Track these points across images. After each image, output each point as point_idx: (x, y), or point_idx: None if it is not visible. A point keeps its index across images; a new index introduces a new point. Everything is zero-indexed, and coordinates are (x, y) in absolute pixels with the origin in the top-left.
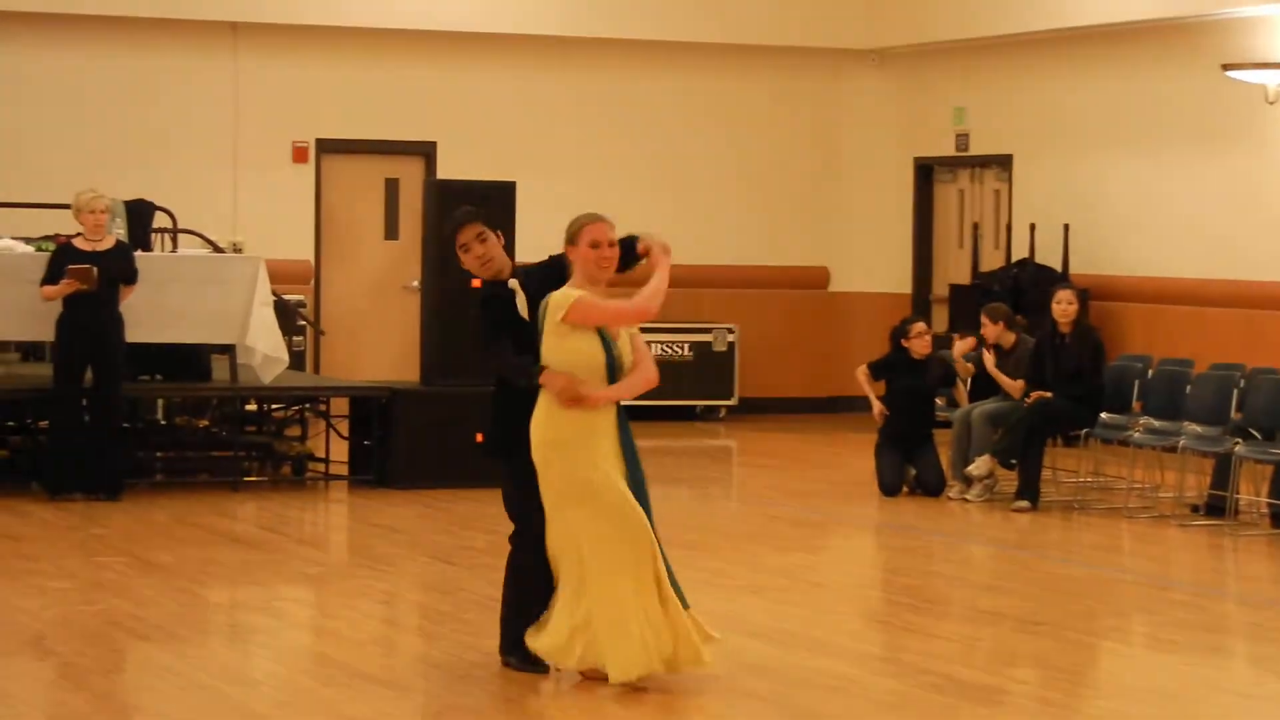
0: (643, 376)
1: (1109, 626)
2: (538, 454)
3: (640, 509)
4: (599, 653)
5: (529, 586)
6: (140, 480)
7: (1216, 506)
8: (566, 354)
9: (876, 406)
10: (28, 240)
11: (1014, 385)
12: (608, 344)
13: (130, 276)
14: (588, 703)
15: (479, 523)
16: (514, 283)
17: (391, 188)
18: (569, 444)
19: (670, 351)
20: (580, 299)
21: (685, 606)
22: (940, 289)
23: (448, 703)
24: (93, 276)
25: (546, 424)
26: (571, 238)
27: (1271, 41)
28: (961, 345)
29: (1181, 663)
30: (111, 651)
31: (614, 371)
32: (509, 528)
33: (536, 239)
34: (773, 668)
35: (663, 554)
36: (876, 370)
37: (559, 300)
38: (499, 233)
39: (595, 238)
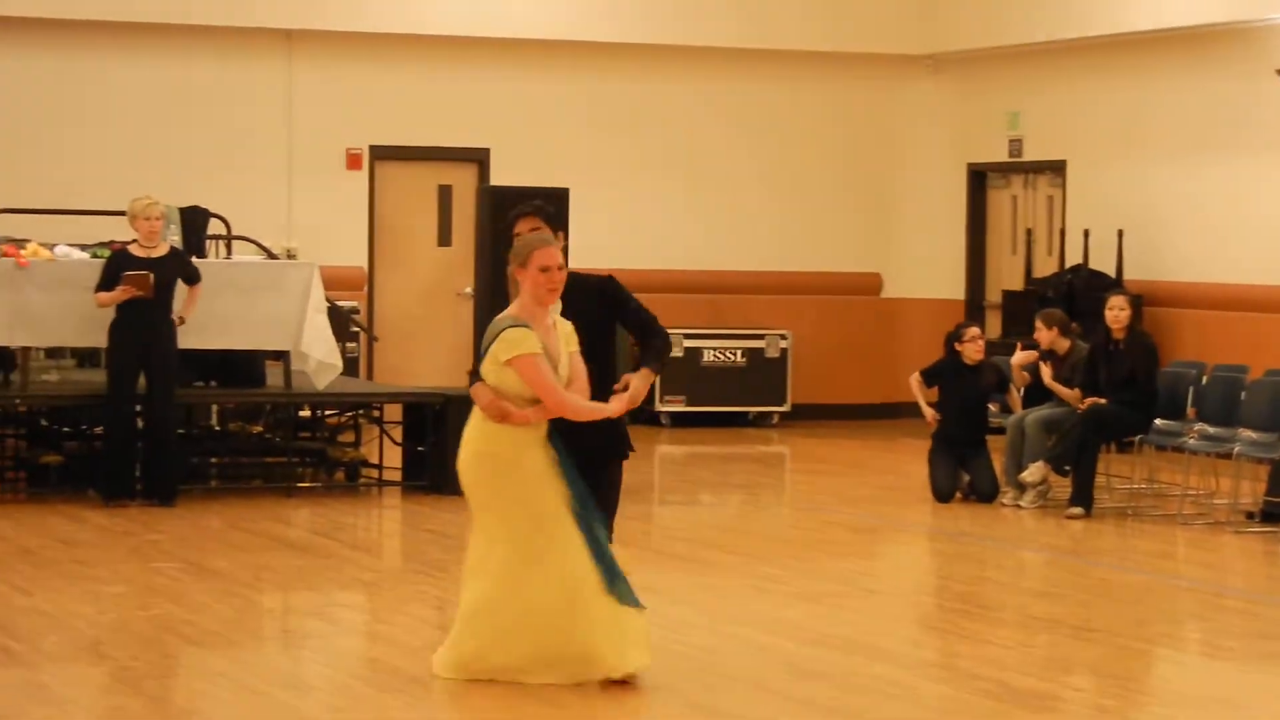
0: (572, 400)
1: (1163, 633)
2: (468, 464)
3: (565, 521)
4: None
5: None
6: (194, 486)
7: (1271, 513)
8: (502, 379)
9: (928, 413)
10: (83, 247)
11: (1072, 395)
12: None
13: (191, 276)
14: (640, 709)
15: None
16: None
17: (445, 194)
18: (498, 455)
19: (723, 358)
20: (529, 359)
21: (637, 606)
22: (993, 295)
23: (502, 708)
24: (149, 283)
25: (478, 436)
26: (522, 261)
27: None
28: (1022, 356)
29: (1236, 670)
30: (166, 656)
31: None
32: None
33: (590, 245)
34: (827, 673)
35: (600, 556)
36: (929, 377)
37: (512, 340)
38: (561, 234)
39: (545, 262)
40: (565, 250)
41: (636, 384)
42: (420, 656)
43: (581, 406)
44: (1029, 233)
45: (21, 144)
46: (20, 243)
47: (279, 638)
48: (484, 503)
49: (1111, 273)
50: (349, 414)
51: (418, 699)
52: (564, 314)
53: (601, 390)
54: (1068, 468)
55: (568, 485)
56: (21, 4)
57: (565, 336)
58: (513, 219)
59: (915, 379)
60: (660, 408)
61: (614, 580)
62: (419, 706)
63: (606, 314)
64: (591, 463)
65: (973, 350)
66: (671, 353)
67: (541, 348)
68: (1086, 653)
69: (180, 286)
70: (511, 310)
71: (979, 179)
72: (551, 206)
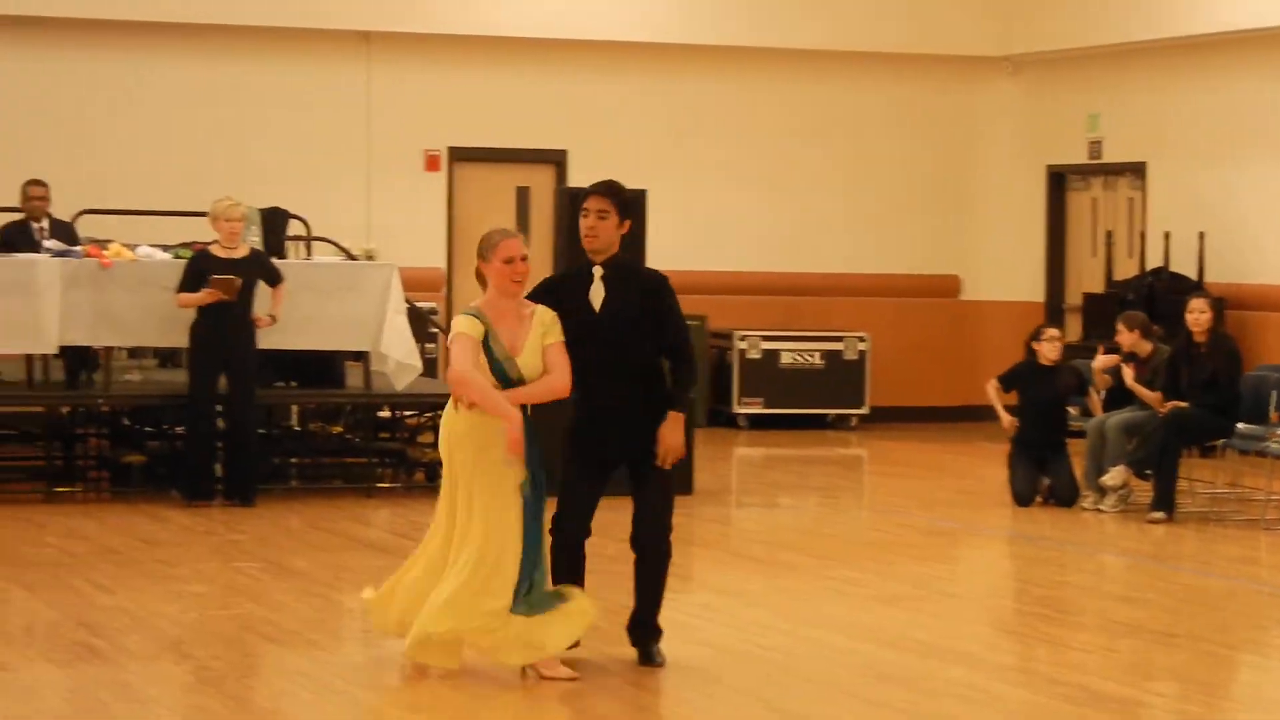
0: (545, 386)
1: (1246, 639)
2: (444, 442)
3: (503, 506)
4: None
5: None
6: (275, 486)
7: None
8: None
9: (1005, 419)
10: (165, 247)
11: (1154, 398)
12: (496, 364)
13: (273, 277)
14: (717, 710)
15: (610, 530)
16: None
17: (523, 196)
18: (464, 435)
19: (801, 360)
20: (458, 338)
21: (529, 611)
22: (1073, 298)
23: (579, 709)
24: (235, 288)
25: (453, 416)
26: (484, 254)
27: None
28: (1104, 360)
29: None
30: (247, 655)
31: (506, 383)
32: None
33: (667, 246)
34: (905, 677)
35: (526, 563)
36: (1006, 382)
37: (455, 324)
38: (627, 222)
39: (509, 254)
40: (642, 245)
41: (669, 438)
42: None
43: (488, 396)
44: (1109, 235)
45: (104, 145)
46: (103, 243)
47: (359, 637)
48: (450, 477)
49: (1193, 275)
50: (428, 414)
51: (496, 699)
52: (609, 305)
53: (640, 388)
54: (1149, 472)
55: (531, 477)
56: (106, 7)
57: (544, 327)
58: (584, 195)
59: (993, 385)
60: (738, 410)
61: (527, 589)
62: (497, 707)
63: (648, 312)
64: (611, 463)
65: (1049, 350)
66: (695, 385)
67: (480, 334)
68: (1169, 658)
69: (262, 288)
70: (476, 301)
71: (1058, 181)
72: (623, 192)
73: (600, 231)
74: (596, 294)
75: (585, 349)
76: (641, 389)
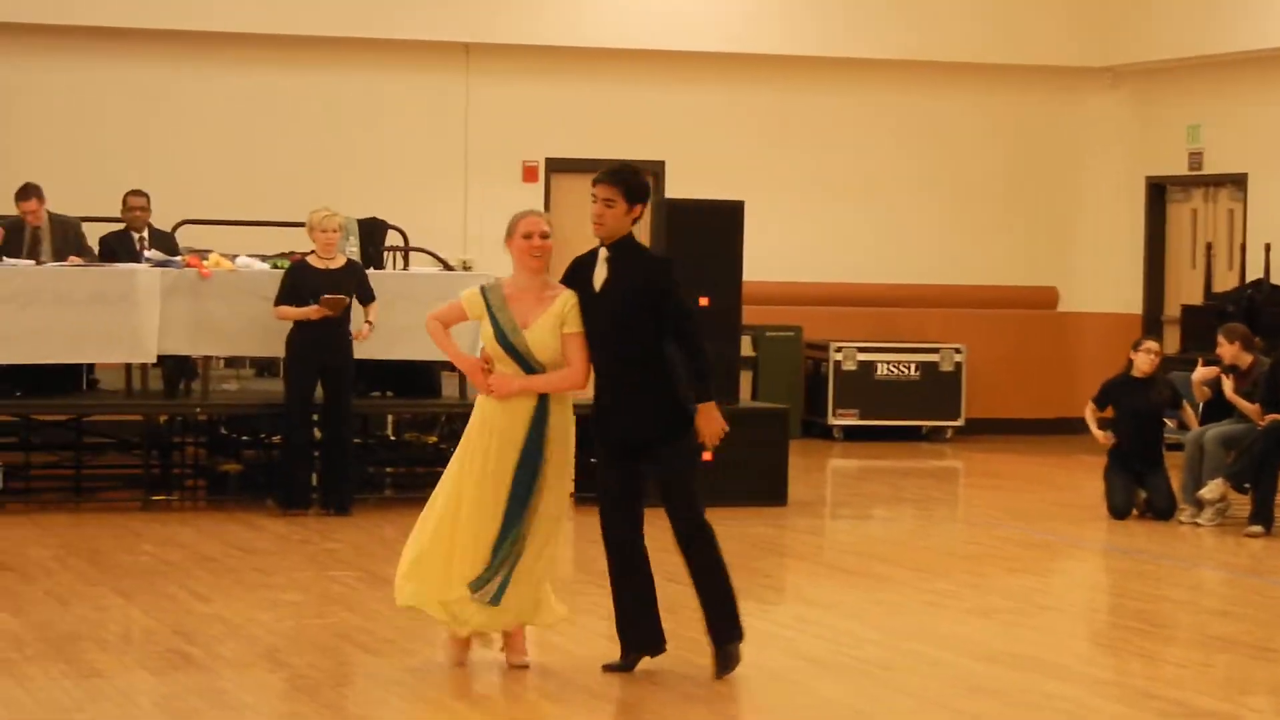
0: (560, 376)
1: None
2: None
3: (481, 487)
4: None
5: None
6: (370, 495)
7: None
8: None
9: (1099, 435)
10: (264, 258)
11: (1253, 410)
12: (502, 333)
13: (366, 296)
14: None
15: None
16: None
17: None
18: (476, 415)
19: (897, 371)
20: (452, 304)
21: (492, 602)
22: (1172, 310)
23: (674, 716)
24: (342, 306)
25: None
26: (509, 231)
27: None
28: (1203, 372)
29: None
30: (341, 664)
31: (516, 358)
32: (736, 546)
33: (763, 257)
34: (1001, 690)
35: (499, 551)
36: (1100, 400)
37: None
38: (638, 207)
39: (528, 230)
40: (738, 256)
41: (704, 428)
42: (590, 666)
43: (442, 341)
44: (1209, 247)
45: (203, 156)
46: (202, 254)
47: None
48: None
49: None
50: None
51: (587, 708)
52: (610, 285)
53: (639, 370)
54: (1247, 485)
55: (518, 468)
56: (210, 20)
57: (563, 313)
58: (594, 181)
59: (1089, 409)
60: (833, 421)
61: (489, 575)
62: (589, 717)
63: (649, 294)
64: (626, 448)
65: (1143, 361)
66: (714, 372)
67: (477, 308)
68: (1267, 673)
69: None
70: (500, 278)
71: (1158, 192)
72: (636, 174)
73: (606, 219)
74: (600, 274)
75: (588, 328)
76: (639, 370)
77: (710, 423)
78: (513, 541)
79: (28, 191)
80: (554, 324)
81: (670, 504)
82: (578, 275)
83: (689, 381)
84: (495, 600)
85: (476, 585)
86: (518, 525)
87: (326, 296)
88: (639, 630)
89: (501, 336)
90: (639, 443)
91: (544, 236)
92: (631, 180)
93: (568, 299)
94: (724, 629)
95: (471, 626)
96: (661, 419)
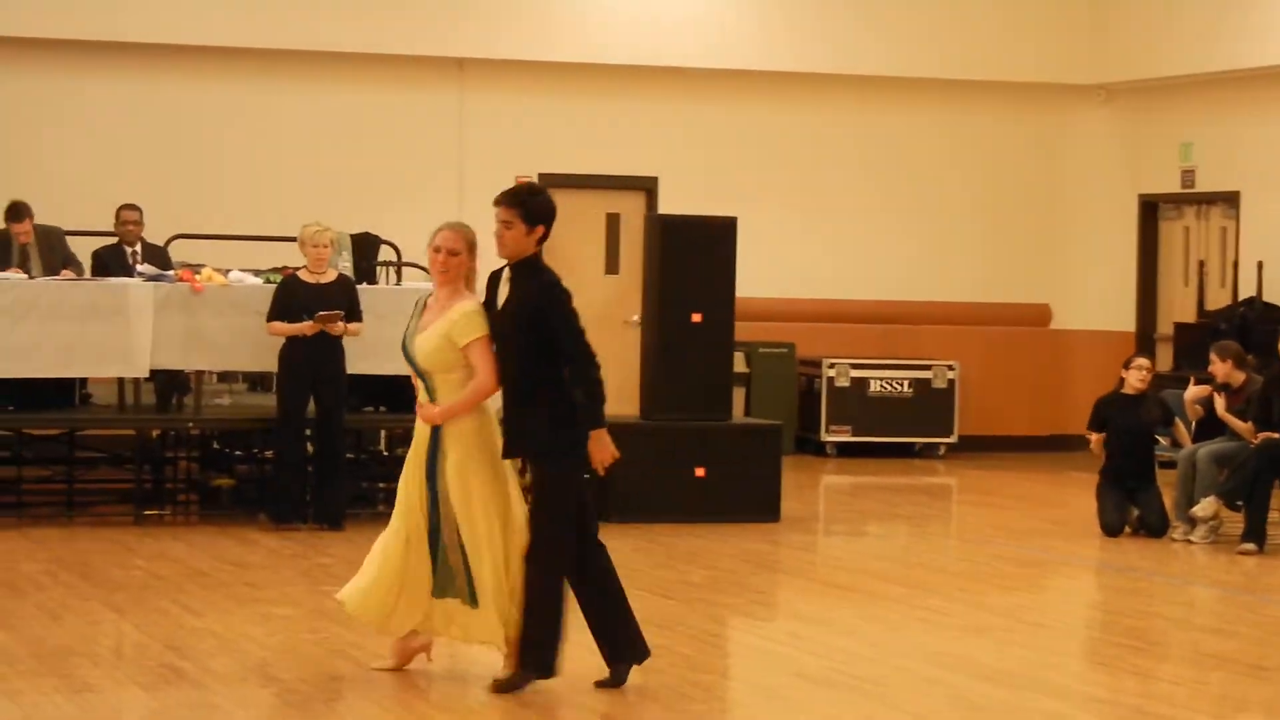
0: (469, 391)
1: None
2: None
3: (408, 506)
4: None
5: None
6: (363, 510)
7: None
8: None
9: (1094, 439)
10: (256, 272)
11: (1246, 428)
12: (404, 339)
13: (354, 313)
14: None
15: (698, 558)
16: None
17: (613, 222)
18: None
19: (890, 388)
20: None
21: (470, 602)
22: (1165, 327)
23: None
24: (338, 321)
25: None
26: (430, 241)
27: None
28: (1195, 390)
29: None
30: (333, 680)
31: (411, 365)
32: (729, 563)
33: (755, 273)
34: (992, 707)
35: (437, 550)
36: (1093, 423)
37: None
38: (539, 228)
39: (434, 243)
40: (731, 272)
41: (594, 454)
42: (585, 683)
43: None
44: (1201, 264)
45: (197, 170)
46: (195, 268)
47: (444, 662)
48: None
49: None
50: None
51: None
52: (508, 304)
53: (525, 386)
54: (1240, 503)
55: (427, 487)
56: (198, 34)
57: (448, 323)
58: (493, 203)
59: (1092, 438)
60: (826, 437)
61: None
62: None
63: (538, 313)
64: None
65: (1134, 378)
66: (604, 398)
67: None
68: (1260, 691)
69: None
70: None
71: (1150, 210)
72: (536, 195)
73: (505, 239)
74: (502, 292)
75: (495, 343)
76: (524, 388)
77: (600, 450)
78: (444, 563)
79: (20, 213)
80: (440, 333)
81: (530, 518)
82: (490, 290)
83: (581, 411)
84: (472, 600)
85: (438, 594)
86: (440, 550)
87: (322, 314)
88: (617, 638)
89: (403, 343)
90: (523, 458)
91: (451, 254)
92: (530, 201)
93: (463, 309)
94: (522, 653)
95: (472, 637)
96: (538, 438)
